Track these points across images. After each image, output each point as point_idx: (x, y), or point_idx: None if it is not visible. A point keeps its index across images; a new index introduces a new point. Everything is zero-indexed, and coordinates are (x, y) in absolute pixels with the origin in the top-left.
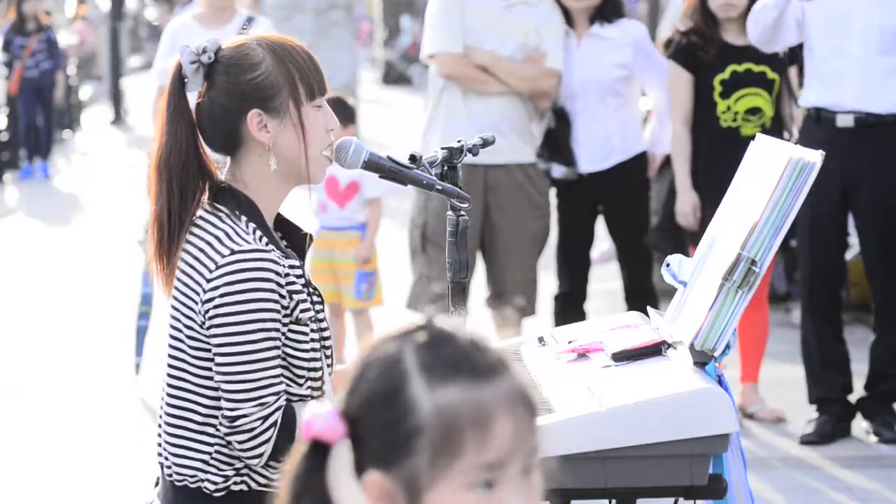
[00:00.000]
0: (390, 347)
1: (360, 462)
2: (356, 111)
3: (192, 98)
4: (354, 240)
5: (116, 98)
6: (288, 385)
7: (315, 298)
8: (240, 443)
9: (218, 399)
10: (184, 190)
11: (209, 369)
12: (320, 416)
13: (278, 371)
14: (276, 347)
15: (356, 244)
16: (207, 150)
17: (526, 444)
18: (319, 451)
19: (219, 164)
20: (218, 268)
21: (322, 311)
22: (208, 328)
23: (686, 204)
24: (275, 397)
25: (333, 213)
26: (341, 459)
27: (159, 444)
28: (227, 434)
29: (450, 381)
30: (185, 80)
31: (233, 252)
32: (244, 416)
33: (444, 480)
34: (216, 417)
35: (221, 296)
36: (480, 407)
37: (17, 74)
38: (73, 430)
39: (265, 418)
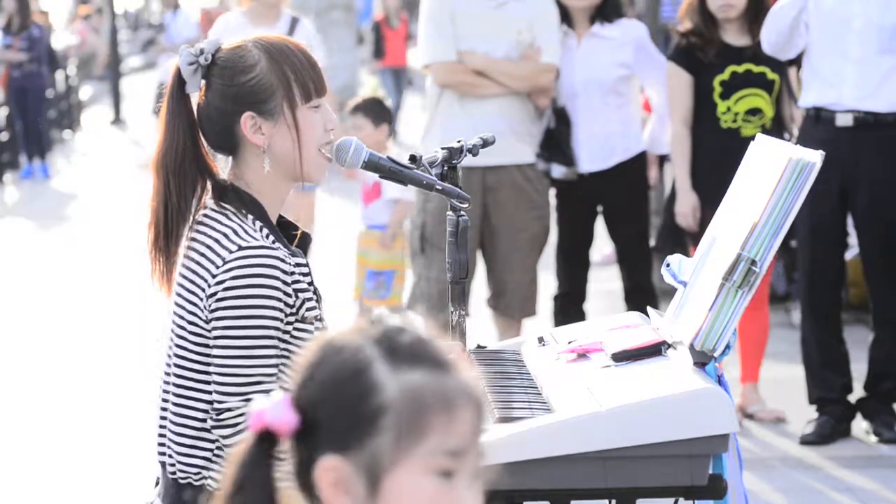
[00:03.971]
0: (347, 338)
1: (312, 452)
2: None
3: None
4: (374, 239)
5: (116, 98)
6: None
7: (318, 297)
8: (223, 437)
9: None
10: (181, 189)
11: (210, 364)
12: (272, 407)
13: (272, 370)
14: (274, 346)
15: (375, 243)
16: (210, 149)
17: (477, 444)
18: (267, 443)
19: (219, 163)
20: (225, 263)
21: (321, 310)
22: (210, 321)
23: (686, 205)
24: (263, 396)
25: (360, 211)
26: (291, 450)
27: (161, 444)
28: (212, 426)
29: (414, 365)
30: (185, 81)
31: (240, 248)
32: (229, 409)
33: (406, 462)
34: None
35: (225, 290)
36: (444, 392)
37: (5, 75)
38: (73, 429)
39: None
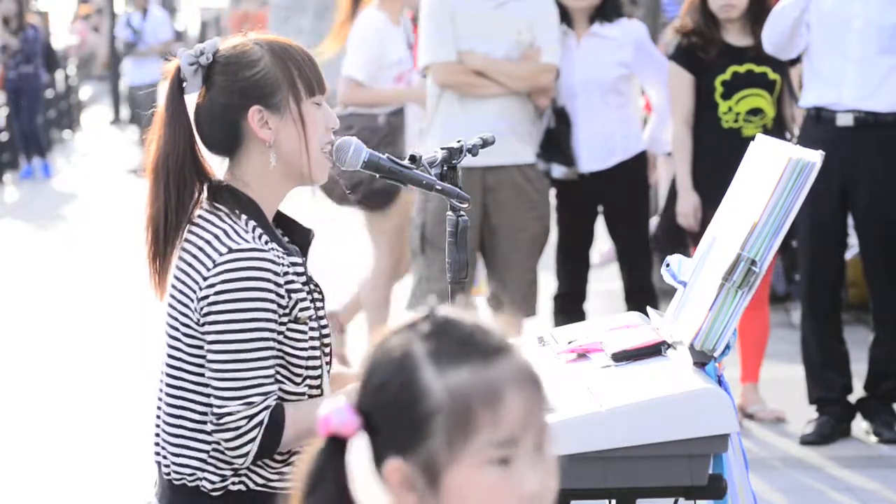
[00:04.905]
0: (397, 340)
1: (378, 453)
2: None
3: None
4: None
5: (116, 98)
6: (285, 383)
7: (316, 296)
8: (225, 441)
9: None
10: (180, 193)
11: (206, 368)
12: (335, 412)
13: (270, 371)
14: (270, 347)
15: None
16: (205, 152)
17: (536, 421)
18: (336, 446)
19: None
20: (215, 265)
21: (323, 308)
22: (203, 325)
23: (687, 205)
24: (262, 397)
25: None
26: (359, 452)
27: (156, 444)
28: (213, 431)
29: (458, 364)
30: (184, 83)
31: (231, 250)
32: (230, 413)
33: (461, 459)
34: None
35: (217, 293)
36: (490, 386)
37: (1, 76)
38: (72, 429)
39: (251, 417)
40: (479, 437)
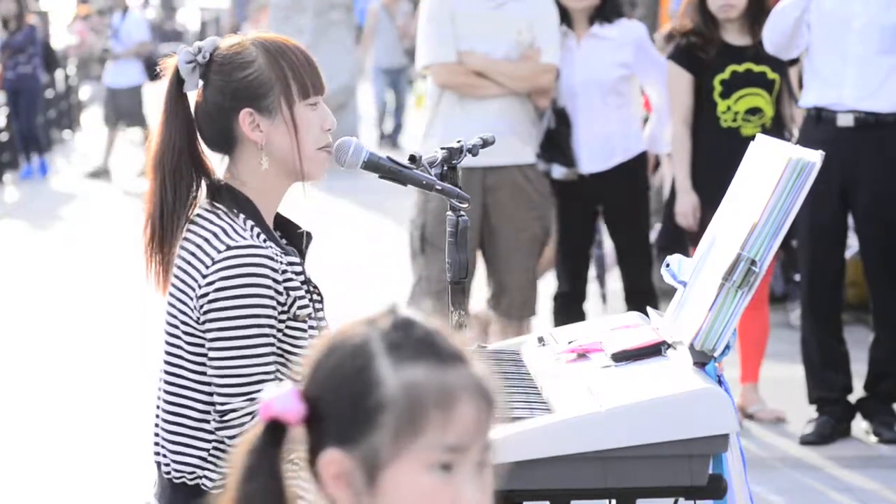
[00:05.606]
0: (355, 331)
1: (316, 443)
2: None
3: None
4: None
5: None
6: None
7: (315, 297)
8: (229, 438)
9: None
10: (178, 188)
11: (205, 365)
12: (280, 397)
13: (271, 367)
14: (270, 344)
15: None
16: (205, 148)
17: (483, 436)
18: (276, 432)
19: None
20: (214, 263)
21: (322, 309)
22: (203, 323)
23: (686, 204)
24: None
25: None
26: (299, 440)
27: (156, 443)
28: (216, 428)
29: (416, 361)
30: (183, 80)
31: (229, 248)
32: (233, 410)
33: (404, 458)
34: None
35: (216, 290)
36: (445, 388)
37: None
38: (72, 429)
39: (255, 414)
40: (426, 437)
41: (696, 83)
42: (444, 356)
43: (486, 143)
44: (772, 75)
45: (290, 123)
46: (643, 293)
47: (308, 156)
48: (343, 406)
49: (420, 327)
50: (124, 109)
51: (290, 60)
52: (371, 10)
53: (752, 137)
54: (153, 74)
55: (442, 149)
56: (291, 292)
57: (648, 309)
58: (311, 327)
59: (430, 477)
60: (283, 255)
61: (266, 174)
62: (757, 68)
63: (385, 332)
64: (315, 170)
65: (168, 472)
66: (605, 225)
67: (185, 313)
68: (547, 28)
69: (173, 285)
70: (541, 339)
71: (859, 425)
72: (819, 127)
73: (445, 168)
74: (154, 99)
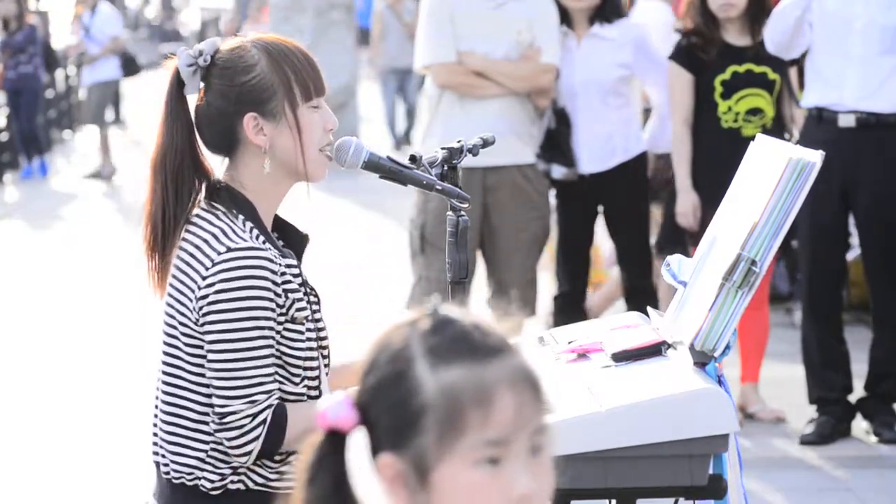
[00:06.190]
0: (397, 335)
1: (373, 447)
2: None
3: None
4: None
5: (116, 98)
6: (284, 384)
7: (312, 299)
8: (228, 440)
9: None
10: (179, 191)
11: (203, 366)
12: (334, 406)
13: (271, 369)
14: (270, 346)
15: None
16: (205, 150)
17: (531, 423)
18: (335, 440)
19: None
20: (214, 265)
21: (319, 311)
22: (202, 324)
23: (686, 204)
24: (265, 395)
25: None
26: (357, 446)
27: (154, 444)
28: (216, 430)
29: (452, 361)
30: (183, 82)
31: (229, 249)
32: (233, 412)
33: (450, 457)
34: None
35: (216, 292)
36: (482, 385)
37: (0, 76)
38: (71, 429)
39: (254, 416)
40: (468, 435)
41: (697, 83)
42: (482, 352)
43: (486, 143)
44: (772, 76)
45: (293, 126)
46: (643, 293)
47: (312, 158)
48: (389, 411)
49: (457, 325)
50: (95, 105)
51: (293, 63)
52: (376, 14)
53: (753, 138)
54: (129, 70)
55: (442, 149)
56: (290, 294)
57: (648, 309)
58: (308, 330)
59: (478, 472)
60: (280, 258)
61: (267, 176)
62: (758, 69)
63: (424, 335)
64: (318, 171)
65: (167, 473)
66: (605, 225)
67: (183, 314)
68: (547, 28)
69: (172, 286)
70: (541, 339)
71: (859, 425)
72: (820, 127)
73: (445, 168)
74: (131, 95)
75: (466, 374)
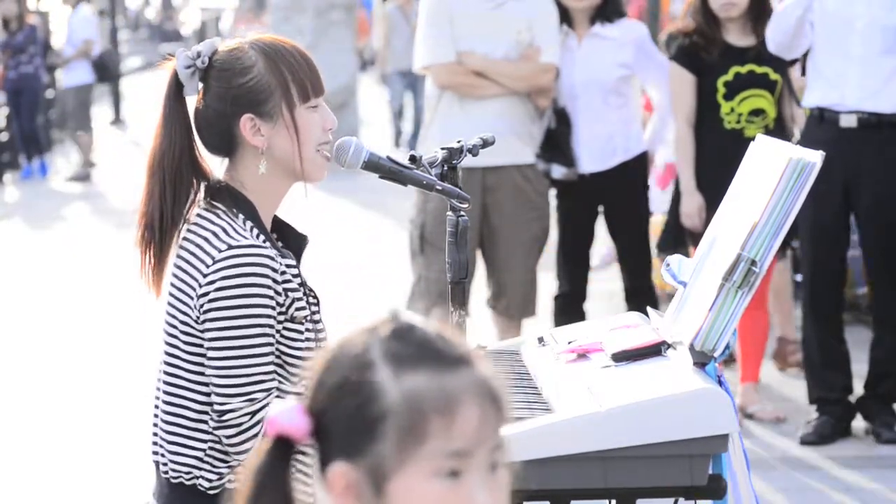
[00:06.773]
0: (355, 341)
1: (325, 457)
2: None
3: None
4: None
5: (116, 98)
6: (282, 383)
7: (312, 300)
8: (227, 437)
9: (211, 395)
10: (177, 191)
11: (203, 365)
12: (285, 412)
13: (270, 368)
14: (270, 344)
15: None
16: (204, 151)
17: (491, 438)
18: (284, 447)
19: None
20: (215, 262)
21: (318, 312)
22: (202, 322)
23: (691, 205)
24: (264, 394)
25: (655, 195)
26: (307, 454)
27: (154, 443)
28: (215, 428)
29: (416, 368)
30: (181, 84)
31: (230, 247)
32: (232, 410)
33: (409, 466)
34: (209, 414)
35: (217, 290)
36: (446, 394)
37: (1, 76)
38: (72, 429)
39: (253, 414)
40: (429, 444)
41: (699, 84)
42: (446, 361)
43: (486, 144)
44: (774, 76)
45: (291, 127)
46: (643, 293)
47: (309, 158)
48: (346, 418)
49: (420, 332)
50: (69, 111)
51: (290, 64)
52: (381, 15)
53: (755, 139)
54: (103, 76)
55: (442, 149)
56: (289, 293)
57: (648, 309)
58: (307, 329)
59: (437, 484)
60: (280, 258)
61: (266, 177)
62: (759, 69)
63: (385, 340)
64: (316, 172)
65: (166, 472)
66: (605, 225)
67: (184, 313)
68: (546, 28)
69: (172, 285)
70: (541, 340)
71: (859, 425)
72: (821, 127)
73: (445, 168)
74: (99, 100)
75: (431, 380)
